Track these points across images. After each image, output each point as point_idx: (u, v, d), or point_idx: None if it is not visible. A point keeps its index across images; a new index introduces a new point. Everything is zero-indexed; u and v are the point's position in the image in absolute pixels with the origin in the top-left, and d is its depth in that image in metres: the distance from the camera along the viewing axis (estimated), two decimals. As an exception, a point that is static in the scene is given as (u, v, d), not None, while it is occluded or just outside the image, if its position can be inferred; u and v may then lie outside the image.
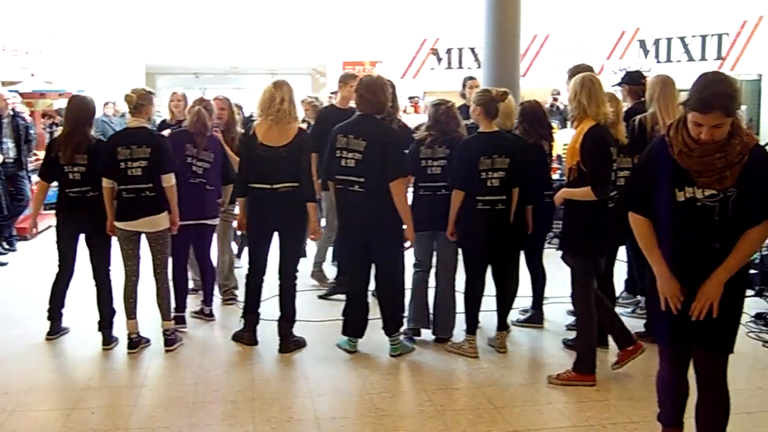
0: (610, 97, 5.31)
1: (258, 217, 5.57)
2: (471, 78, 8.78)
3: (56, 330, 5.86)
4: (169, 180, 5.54)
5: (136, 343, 5.59)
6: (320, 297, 6.91)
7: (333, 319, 5.96)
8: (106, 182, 5.50)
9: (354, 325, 5.54)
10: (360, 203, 5.27)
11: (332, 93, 8.41)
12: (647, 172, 3.48)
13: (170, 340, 5.64)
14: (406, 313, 5.69)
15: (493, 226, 5.37)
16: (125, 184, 5.46)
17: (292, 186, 5.40)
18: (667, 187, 3.35)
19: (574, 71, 5.97)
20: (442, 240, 5.63)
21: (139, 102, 5.56)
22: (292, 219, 5.44)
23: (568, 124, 12.07)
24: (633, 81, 6.28)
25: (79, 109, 5.63)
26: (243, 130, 6.48)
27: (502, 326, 5.63)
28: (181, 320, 6.10)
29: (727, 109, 3.13)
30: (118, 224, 5.53)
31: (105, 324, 5.69)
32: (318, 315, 6.40)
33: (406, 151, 5.59)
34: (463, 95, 8.63)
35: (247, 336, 5.72)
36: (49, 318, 5.86)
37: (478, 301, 5.55)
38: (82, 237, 5.76)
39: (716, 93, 3.13)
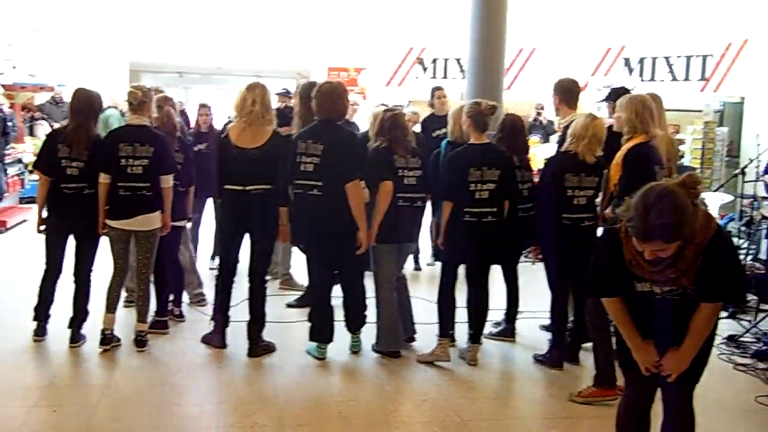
0: (589, 115, 5.33)
1: (230, 218, 5.53)
2: (439, 88, 8.74)
3: (43, 331, 5.65)
4: (169, 181, 5.50)
5: (109, 339, 5.49)
6: (288, 306, 6.78)
7: (302, 320, 5.85)
8: (104, 178, 5.40)
9: (321, 330, 5.49)
10: (318, 207, 5.25)
11: (278, 93, 8.32)
12: (604, 261, 3.32)
13: (142, 341, 5.56)
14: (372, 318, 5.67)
15: (477, 238, 5.35)
16: (123, 181, 5.38)
17: (264, 188, 5.36)
18: (624, 278, 3.22)
19: (559, 85, 6.04)
20: (403, 251, 5.72)
21: (143, 99, 5.53)
22: (264, 221, 5.39)
23: (551, 138, 12.15)
24: (618, 98, 6.28)
25: (86, 103, 5.54)
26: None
27: (476, 339, 5.60)
28: (162, 325, 5.96)
29: (668, 238, 2.89)
30: (111, 223, 5.44)
31: (76, 322, 5.58)
32: (289, 318, 6.37)
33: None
34: (431, 105, 8.63)
35: (216, 338, 5.66)
36: (35, 319, 5.64)
37: (448, 308, 5.56)
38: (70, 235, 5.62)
39: (656, 224, 2.86)
